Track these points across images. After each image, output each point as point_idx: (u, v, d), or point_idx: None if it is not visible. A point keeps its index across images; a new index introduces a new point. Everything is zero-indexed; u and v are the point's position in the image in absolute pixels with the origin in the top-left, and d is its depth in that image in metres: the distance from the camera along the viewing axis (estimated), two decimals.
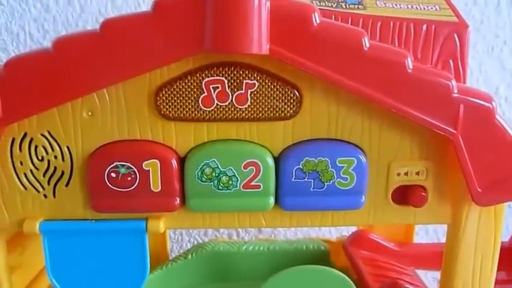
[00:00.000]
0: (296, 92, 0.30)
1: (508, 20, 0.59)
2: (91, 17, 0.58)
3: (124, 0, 0.57)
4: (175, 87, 0.29)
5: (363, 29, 0.31)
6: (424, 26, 0.33)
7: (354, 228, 0.50)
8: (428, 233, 0.65)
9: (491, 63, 0.60)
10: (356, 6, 0.34)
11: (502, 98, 0.62)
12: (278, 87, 0.29)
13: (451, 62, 0.33)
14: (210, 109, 0.29)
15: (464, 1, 0.58)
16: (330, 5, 0.34)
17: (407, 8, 0.34)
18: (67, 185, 0.31)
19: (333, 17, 0.32)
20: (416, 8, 0.35)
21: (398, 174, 0.32)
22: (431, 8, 0.35)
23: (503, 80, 0.61)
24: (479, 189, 0.30)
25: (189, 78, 0.29)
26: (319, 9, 0.29)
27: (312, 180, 0.31)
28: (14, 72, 0.28)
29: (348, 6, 0.34)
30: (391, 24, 0.33)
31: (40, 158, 0.31)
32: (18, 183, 0.31)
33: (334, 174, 0.31)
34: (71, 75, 0.28)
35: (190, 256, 0.47)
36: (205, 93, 0.29)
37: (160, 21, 0.27)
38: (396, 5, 0.35)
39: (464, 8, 0.58)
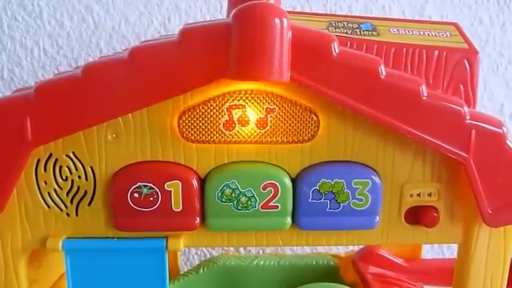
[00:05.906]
0: (314, 116, 0.31)
1: None
2: (104, 34, 0.59)
3: (137, 18, 0.58)
4: (197, 111, 0.30)
5: (377, 55, 0.32)
6: (436, 52, 0.34)
7: None
8: (434, 247, 0.66)
9: (496, 81, 0.62)
10: (370, 32, 0.35)
11: (507, 115, 0.63)
12: (297, 111, 0.30)
13: (461, 87, 0.34)
14: (231, 132, 0.30)
15: (470, 21, 0.59)
16: (345, 31, 0.35)
17: (420, 34, 0.36)
18: (90, 204, 0.32)
19: (348, 43, 0.33)
20: (428, 34, 0.36)
21: (411, 196, 0.33)
22: (442, 35, 0.36)
23: (508, 97, 0.62)
24: (489, 211, 0.31)
25: (212, 102, 0.30)
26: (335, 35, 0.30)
27: (328, 201, 0.32)
28: (44, 96, 0.29)
29: (362, 33, 0.35)
30: (404, 50, 0.34)
31: (64, 177, 0.31)
32: (42, 202, 0.32)
33: (350, 195, 0.31)
34: (99, 100, 0.29)
35: (201, 270, 0.47)
36: (227, 118, 0.30)
37: (186, 50, 0.28)
38: (409, 31, 0.36)
39: (470, 27, 0.59)
